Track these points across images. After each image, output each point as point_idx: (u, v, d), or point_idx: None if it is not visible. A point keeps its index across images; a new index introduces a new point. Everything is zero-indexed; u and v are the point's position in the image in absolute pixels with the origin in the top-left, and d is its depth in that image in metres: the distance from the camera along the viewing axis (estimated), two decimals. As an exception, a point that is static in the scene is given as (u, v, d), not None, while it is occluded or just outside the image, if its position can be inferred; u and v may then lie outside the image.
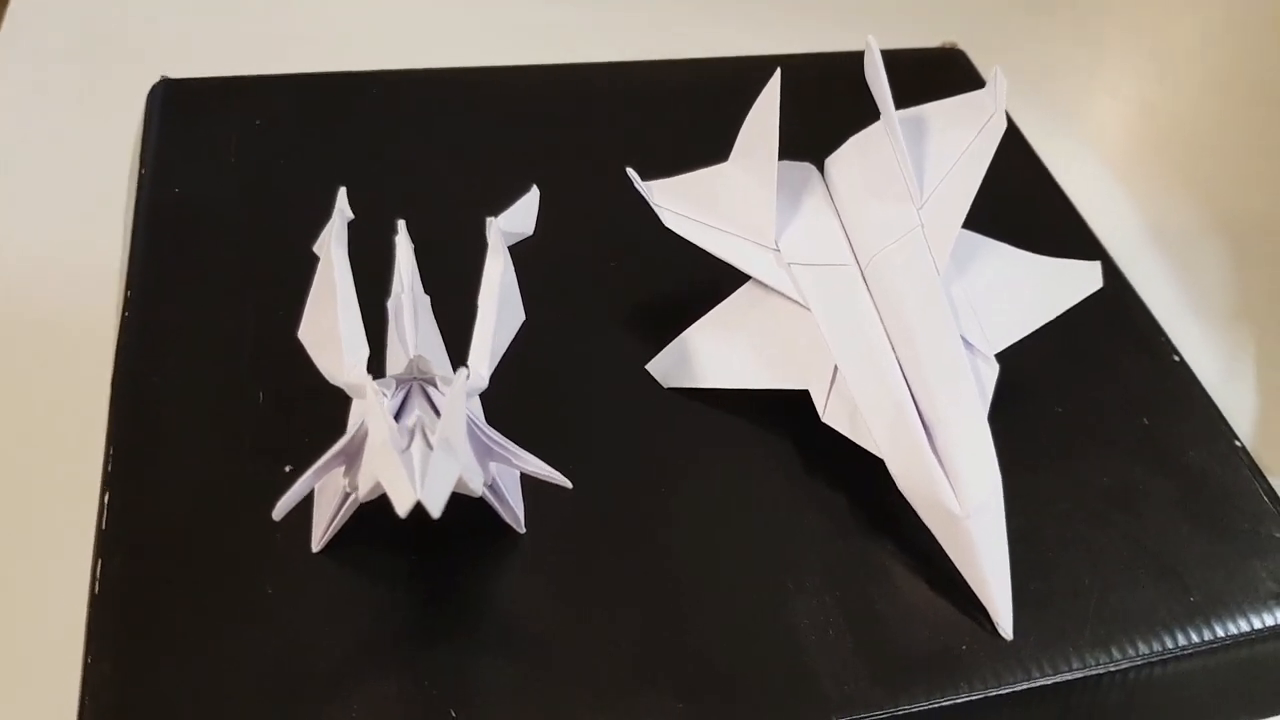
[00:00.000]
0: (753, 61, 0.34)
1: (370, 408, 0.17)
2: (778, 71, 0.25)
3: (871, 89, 0.25)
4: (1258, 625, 0.22)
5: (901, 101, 0.25)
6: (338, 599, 0.20)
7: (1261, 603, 0.22)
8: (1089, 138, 0.50)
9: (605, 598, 0.21)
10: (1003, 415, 0.23)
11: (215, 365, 0.24)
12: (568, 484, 0.19)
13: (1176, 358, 0.27)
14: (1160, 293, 0.42)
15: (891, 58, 0.32)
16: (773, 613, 0.21)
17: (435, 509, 0.16)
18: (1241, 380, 0.40)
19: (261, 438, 0.23)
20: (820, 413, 0.23)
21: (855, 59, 0.33)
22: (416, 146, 0.31)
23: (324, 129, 0.31)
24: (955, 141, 0.25)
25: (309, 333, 0.20)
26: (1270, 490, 0.24)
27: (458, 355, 0.21)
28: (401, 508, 0.16)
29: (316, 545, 0.21)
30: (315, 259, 0.21)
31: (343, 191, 0.22)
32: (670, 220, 0.25)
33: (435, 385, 0.20)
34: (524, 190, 0.23)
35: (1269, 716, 0.23)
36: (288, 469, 0.22)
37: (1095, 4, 0.58)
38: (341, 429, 0.20)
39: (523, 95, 0.33)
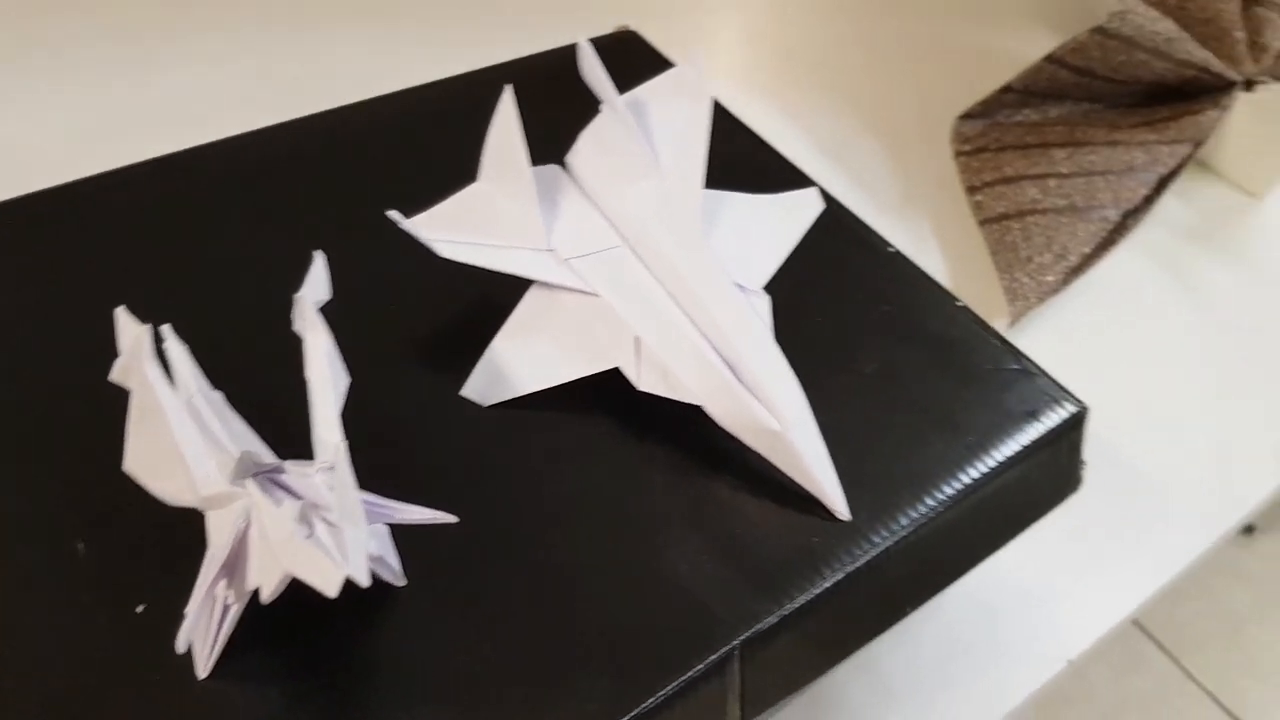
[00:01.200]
0: (457, 81, 0.36)
1: (258, 506, 0.17)
2: (509, 87, 0.26)
3: (591, 86, 0.27)
4: (1025, 443, 0.26)
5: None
6: (248, 713, 0.20)
7: (1019, 425, 0.27)
8: (743, 81, 0.55)
9: (502, 613, 0.22)
10: (780, 336, 0.26)
11: (14, 533, 0.23)
12: (453, 518, 0.20)
13: (891, 249, 0.31)
14: (842, 195, 0.48)
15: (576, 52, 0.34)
16: (653, 571, 0.23)
17: (365, 578, 0.16)
18: (928, 254, 0.46)
19: (96, 588, 0.22)
20: (635, 383, 0.25)
21: (551, 59, 0.35)
22: (149, 248, 0.30)
23: (21, 259, 0.29)
24: (675, 115, 0.28)
25: (139, 461, 0.20)
26: (995, 334, 0.29)
27: (280, 435, 0.21)
28: (331, 588, 0.16)
29: (204, 670, 0.20)
30: (101, 392, 0.21)
31: (121, 310, 0.21)
32: (445, 250, 0.26)
33: (282, 470, 0.20)
34: (288, 261, 0.23)
35: (1039, 518, 0.28)
36: (140, 609, 0.21)
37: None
38: (175, 552, 0.19)
39: (249, 168, 0.33)
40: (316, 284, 0.22)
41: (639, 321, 0.25)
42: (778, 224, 0.28)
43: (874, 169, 0.50)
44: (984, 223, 0.45)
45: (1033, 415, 0.27)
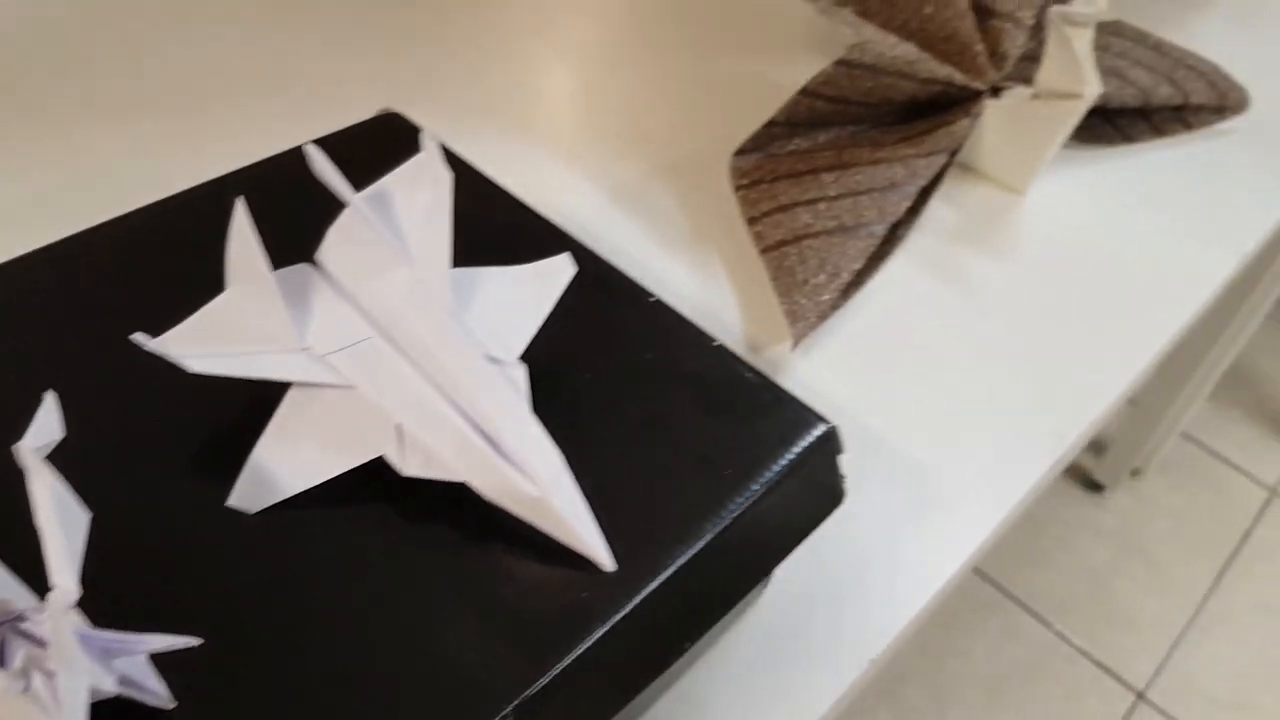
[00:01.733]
0: (196, 192, 0.36)
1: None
2: (240, 199, 0.27)
3: (330, 186, 0.28)
4: (779, 468, 0.28)
5: (367, 175, 0.29)
6: None
7: (773, 452, 0.29)
8: (528, 135, 0.56)
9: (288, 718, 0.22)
10: (546, 395, 0.27)
11: None
12: (196, 641, 0.21)
13: (651, 299, 0.33)
14: (634, 238, 0.50)
15: (342, 139, 0.35)
16: (426, 653, 0.24)
17: (81, 722, 0.17)
18: (719, 287, 0.48)
19: None
20: (400, 469, 0.26)
21: (293, 157, 0.36)
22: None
23: None
24: (419, 201, 0.29)
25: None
26: (750, 368, 0.31)
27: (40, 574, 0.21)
28: (49, 738, 0.17)
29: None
30: None
31: None
32: (195, 365, 0.26)
33: (25, 618, 0.20)
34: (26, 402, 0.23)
35: (808, 534, 0.30)
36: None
37: (470, 31, 0.66)
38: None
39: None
40: (45, 426, 0.22)
41: (398, 408, 0.26)
42: (530, 293, 0.29)
43: (663, 210, 0.52)
44: (764, 251, 0.48)
45: (785, 440, 0.29)
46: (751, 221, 0.50)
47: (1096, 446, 1.54)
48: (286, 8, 0.64)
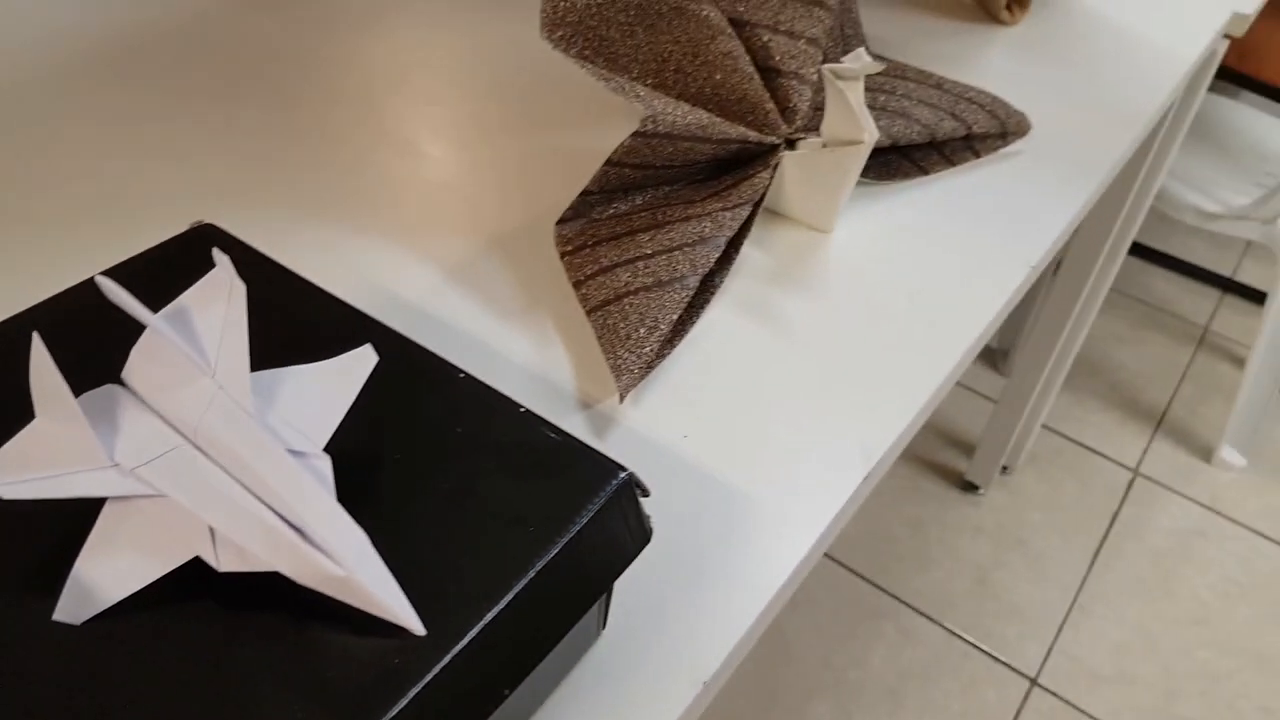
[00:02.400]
0: (4, 328, 0.37)
1: None
2: (35, 333, 0.29)
3: (128, 311, 0.30)
4: (581, 519, 0.31)
5: (182, 288, 0.31)
6: None
7: (574, 504, 0.31)
8: (366, 227, 0.59)
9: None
10: (362, 477, 0.29)
11: None
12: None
13: (461, 374, 0.36)
14: (472, 311, 0.53)
15: (156, 256, 0.37)
16: (259, 729, 0.25)
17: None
18: (553, 350, 0.51)
19: None
20: (216, 567, 0.28)
21: (113, 276, 0.37)
22: None
23: None
24: (216, 314, 0.31)
25: None
26: (554, 429, 0.34)
27: None
28: None
29: None
30: None
31: None
32: (7, 492, 0.27)
33: None
34: None
35: (618, 575, 0.33)
36: None
37: (286, 133, 0.68)
38: None
39: None
40: None
41: (208, 510, 0.28)
42: (334, 387, 0.32)
43: (497, 282, 0.55)
44: (589, 312, 0.51)
45: (587, 493, 0.32)
46: (577, 285, 0.53)
47: (967, 448, 1.62)
48: (112, 118, 0.65)
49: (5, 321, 0.36)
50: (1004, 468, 1.57)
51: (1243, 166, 1.52)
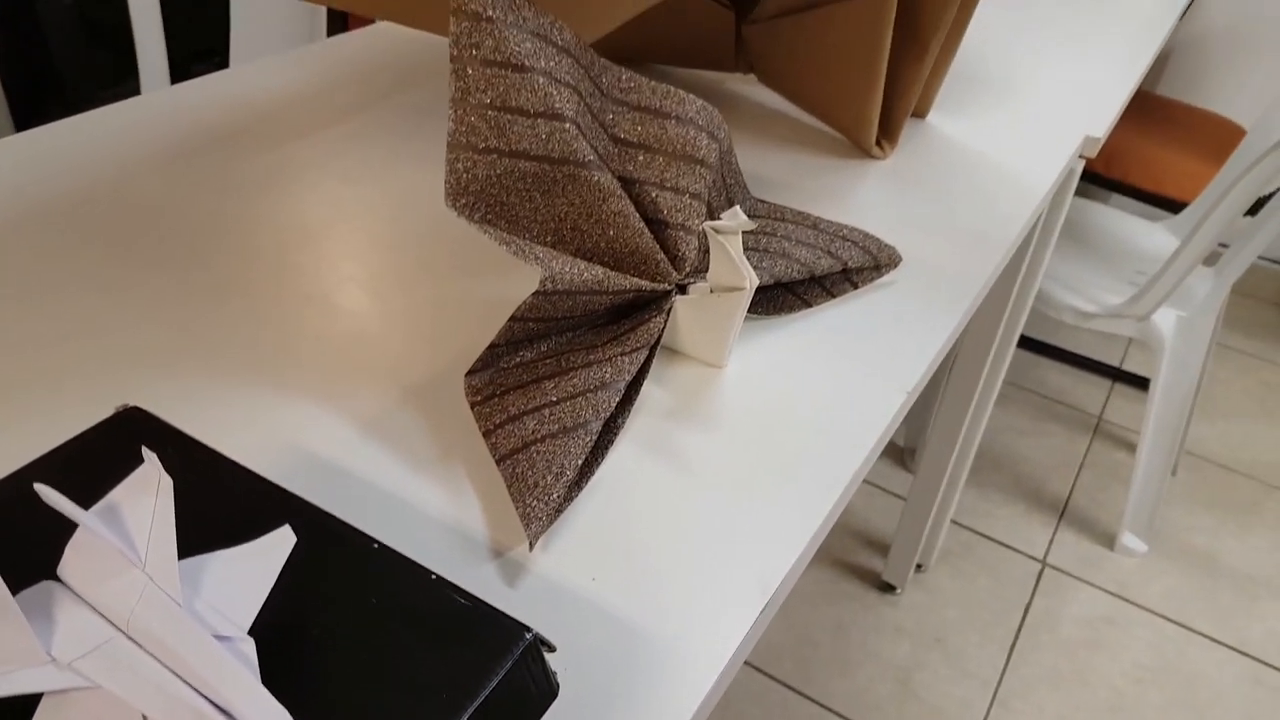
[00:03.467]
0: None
1: None
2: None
3: (63, 512, 0.32)
4: (490, 681, 0.34)
5: (112, 473, 0.33)
6: None
7: (483, 667, 0.34)
8: (283, 388, 0.61)
9: None
10: (279, 659, 0.32)
11: None
12: None
13: (375, 545, 0.39)
14: (386, 465, 0.55)
15: (85, 442, 0.39)
16: None
17: None
18: (466, 501, 0.54)
19: None
20: (149, 752, 0.30)
21: (49, 464, 0.40)
22: None
23: None
24: (146, 508, 0.34)
25: None
26: (463, 593, 0.37)
27: None
28: None
29: None
30: None
31: None
32: (-56, 695, 0.29)
33: None
34: None
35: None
36: None
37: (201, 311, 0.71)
38: None
39: None
40: None
41: (142, 699, 0.30)
42: (256, 568, 0.34)
43: (411, 433, 0.58)
44: (499, 461, 0.54)
45: (493, 656, 0.34)
46: (487, 434, 0.56)
47: (882, 548, 1.67)
48: (21, 291, 0.67)
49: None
50: (918, 566, 1.61)
51: (1115, 266, 1.64)
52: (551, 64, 0.59)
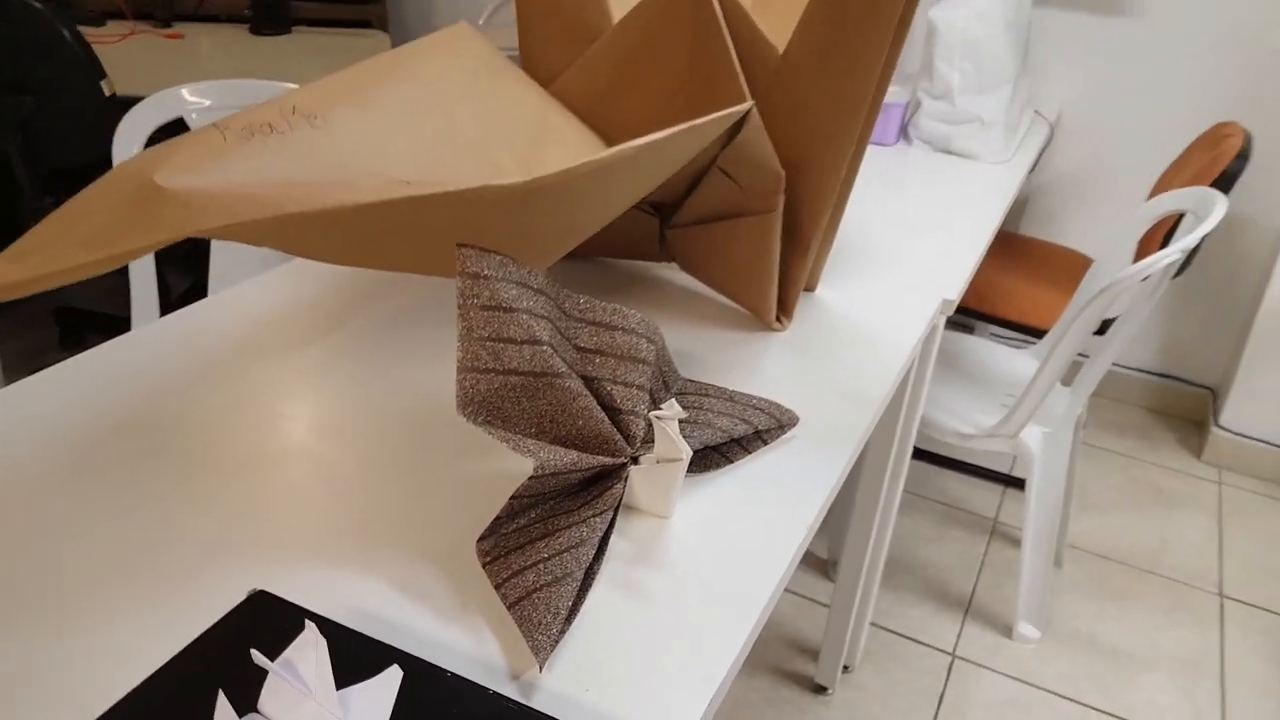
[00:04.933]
0: (152, 684, 0.56)
1: None
2: (220, 692, 0.48)
3: (263, 666, 0.50)
4: (540, 758, 0.51)
5: (258, 643, 0.51)
6: None
7: (537, 749, 0.52)
8: (336, 564, 0.79)
9: None
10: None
11: None
12: None
13: (449, 674, 0.56)
14: (421, 616, 0.73)
15: (235, 618, 0.57)
16: None
17: None
18: (486, 642, 0.72)
19: None
20: (337, 816, 0.47)
21: (209, 638, 0.57)
22: None
23: None
24: (310, 659, 0.51)
25: None
26: (511, 701, 0.55)
27: None
28: None
29: None
30: None
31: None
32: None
33: None
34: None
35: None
36: None
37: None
38: None
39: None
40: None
41: (328, 782, 0.47)
42: (380, 696, 0.52)
43: (438, 590, 0.75)
44: (509, 607, 0.72)
45: (543, 740, 0.52)
46: (497, 587, 0.75)
47: (813, 653, 1.85)
48: (121, 508, 0.84)
49: (153, 678, 0.54)
50: (845, 667, 1.80)
51: (988, 391, 1.90)
52: (530, 303, 0.80)
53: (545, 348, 0.79)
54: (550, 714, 0.55)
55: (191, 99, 1.50)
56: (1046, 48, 2.56)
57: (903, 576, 2.07)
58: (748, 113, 0.97)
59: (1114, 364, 2.81)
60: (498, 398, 0.79)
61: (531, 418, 0.81)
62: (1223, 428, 2.57)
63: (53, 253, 0.60)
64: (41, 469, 0.87)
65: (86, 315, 2.48)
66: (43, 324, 2.55)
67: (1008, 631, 1.94)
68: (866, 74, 1.02)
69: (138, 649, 0.65)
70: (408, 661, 0.56)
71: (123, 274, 2.79)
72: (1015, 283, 2.21)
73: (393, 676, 0.52)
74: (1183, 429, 2.73)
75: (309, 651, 0.51)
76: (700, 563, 0.80)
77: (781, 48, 1.10)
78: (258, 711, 0.50)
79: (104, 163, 1.82)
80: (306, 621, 0.52)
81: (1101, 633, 1.96)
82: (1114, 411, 2.78)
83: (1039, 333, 2.11)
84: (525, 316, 0.79)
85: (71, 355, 0.98)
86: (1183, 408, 2.77)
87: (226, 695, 0.50)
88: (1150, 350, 2.76)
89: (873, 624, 1.93)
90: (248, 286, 1.21)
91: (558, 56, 1.17)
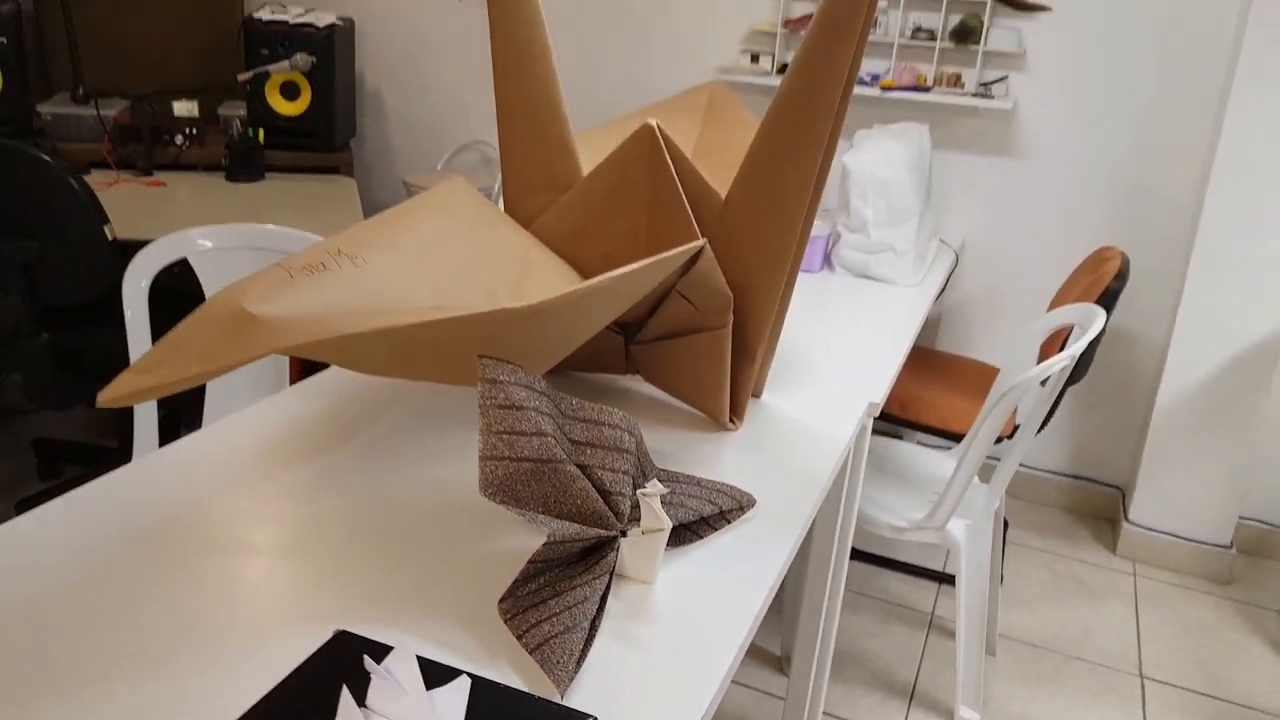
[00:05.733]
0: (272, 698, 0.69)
1: None
2: (344, 687, 0.63)
3: (371, 670, 0.64)
4: (582, 739, 0.66)
5: (347, 665, 0.66)
6: None
7: (578, 733, 0.67)
8: (405, 618, 0.93)
9: None
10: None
11: None
12: None
13: (500, 685, 0.71)
14: (471, 656, 0.87)
15: (326, 653, 0.71)
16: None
17: None
18: (511, 680, 0.86)
19: None
20: (434, 780, 0.61)
21: (322, 655, 0.72)
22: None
23: None
24: (403, 669, 0.66)
25: None
26: (552, 703, 0.70)
27: None
28: None
29: None
30: None
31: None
32: (336, 760, 0.60)
33: None
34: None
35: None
36: None
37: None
38: None
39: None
40: None
41: (425, 755, 0.62)
42: (455, 698, 0.66)
43: (466, 642, 0.90)
44: (531, 652, 0.87)
45: (582, 727, 0.67)
46: (519, 637, 0.89)
47: (771, 742, 1.96)
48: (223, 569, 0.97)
49: (284, 682, 0.68)
50: (801, 752, 1.92)
51: (917, 490, 2.09)
52: (536, 402, 0.98)
53: (549, 439, 0.96)
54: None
55: (199, 241, 1.68)
56: (947, 185, 2.88)
57: (851, 669, 2.21)
58: (703, 247, 1.18)
59: (1033, 468, 3.05)
60: (512, 481, 0.95)
61: (539, 498, 0.97)
62: (1133, 523, 2.80)
63: (172, 366, 0.76)
64: (114, 560, 1.00)
65: (63, 446, 2.57)
66: (21, 454, 2.62)
67: (949, 715, 2.08)
68: (795, 213, 1.24)
69: (237, 688, 0.78)
70: (471, 676, 0.71)
71: (96, 410, 2.88)
72: (935, 393, 2.45)
73: (463, 683, 0.67)
74: (1098, 526, 2.95)
75: (402, 661, 0.65)
76: (681, 619, 0.96)
77: (723, 193, 1.33)
78: (366, 707, 0.64)
79: (102, 299, 1.97)
80: (396, 647, 0.67)
81: (1035, 714, 2.11)
82: (1035, 513, 3.00)
83: (958, 436, 2.33)
84: (533, 413, 0.96)
85: (49, 485, 1.12)
86: (1096, 506, 3.01)
87: (327, 715, 0.64)
88: (1063, 454, 3.01)
89: (826, 713, 2.06)
90: (264, 406, 1.36)
91: (536, 203, 1.38)
